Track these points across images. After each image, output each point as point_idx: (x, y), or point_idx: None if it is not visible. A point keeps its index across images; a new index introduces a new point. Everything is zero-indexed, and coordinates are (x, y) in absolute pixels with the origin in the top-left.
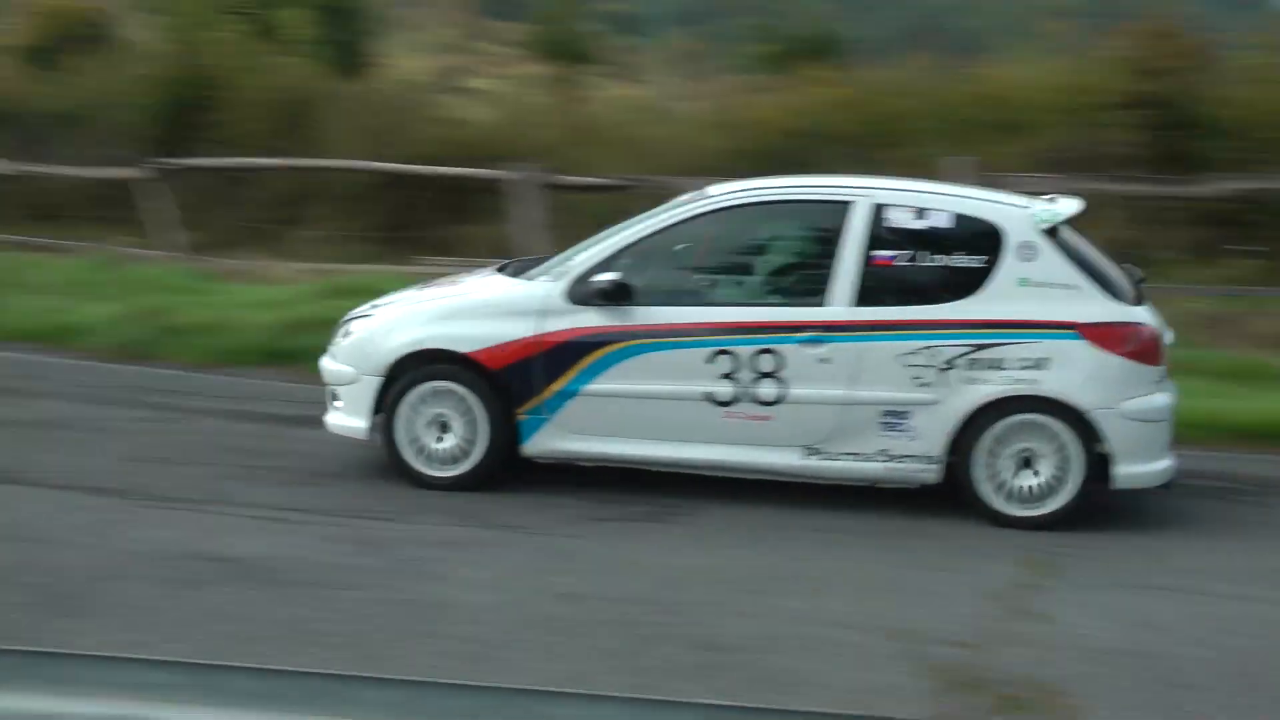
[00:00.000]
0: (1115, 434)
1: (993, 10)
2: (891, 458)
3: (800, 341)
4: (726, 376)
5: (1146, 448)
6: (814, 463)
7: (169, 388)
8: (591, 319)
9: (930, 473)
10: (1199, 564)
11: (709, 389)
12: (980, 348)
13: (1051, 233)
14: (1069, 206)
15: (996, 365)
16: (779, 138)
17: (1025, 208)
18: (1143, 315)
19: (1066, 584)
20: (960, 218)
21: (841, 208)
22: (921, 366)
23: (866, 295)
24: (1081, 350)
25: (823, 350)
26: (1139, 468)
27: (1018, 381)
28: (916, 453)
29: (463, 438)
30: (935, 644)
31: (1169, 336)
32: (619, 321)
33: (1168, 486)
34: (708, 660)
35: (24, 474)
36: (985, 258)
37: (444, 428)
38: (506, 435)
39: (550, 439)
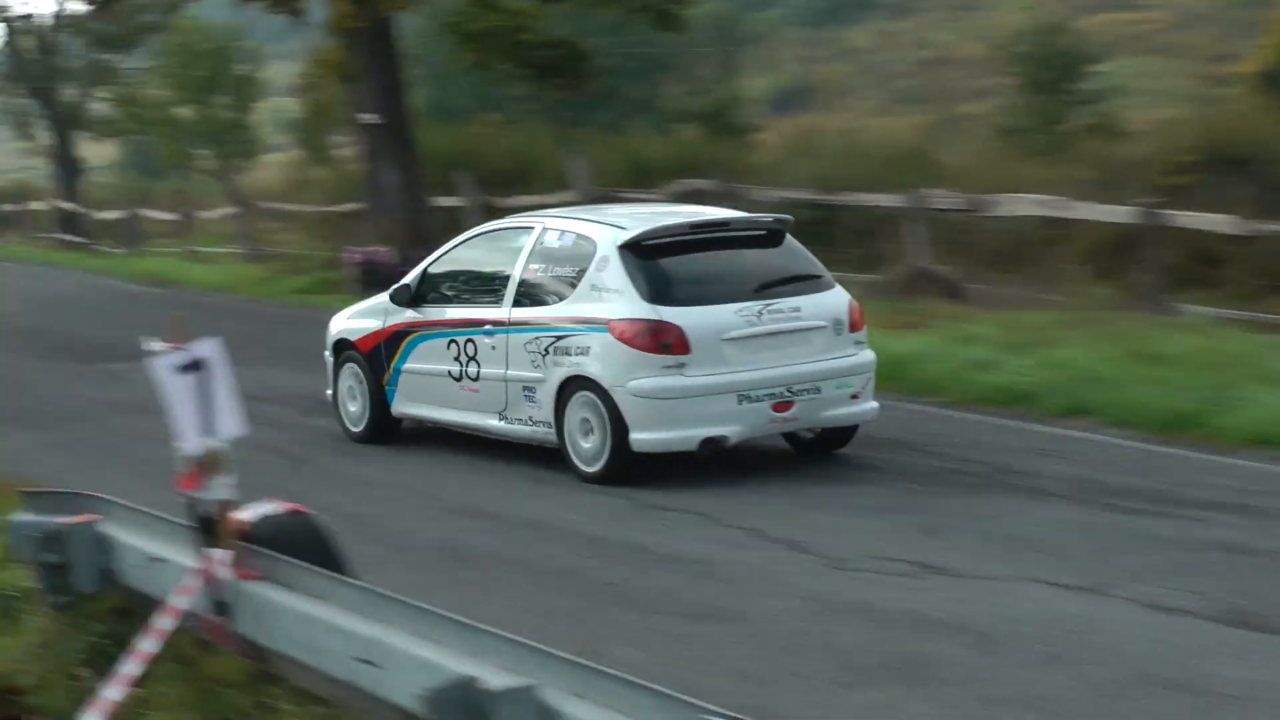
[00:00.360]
0: (626, 407)
1: None
2: (534, 423)
3: (482, 334)
4: (456, 359)
5: (658, 418)
6: (504, 426)
7: None
8: (406, 316)
9: (551, 436)
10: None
11: (449, 368)
12: (559, 339)
13: (631, 247)
14: (648, 226)
15: (566, 352)
16: None
17: (621, 228)
18: (663, 314)
19: None
20: (575, 236)
21: (527, 232)
22: (535, 353)
23: (520, 299)
24: (606, 341)
25: (492, 341)
26: (648, 435)
27: (574, 365)
28: (541, 420)
29: (360, 403)
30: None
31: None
32: (417, 318)
33: (703, 451)
34: None
35: (1266, 618)
36: (578, 269)
37: (352, 395)
38: (380, 400)
39: (399, 404)
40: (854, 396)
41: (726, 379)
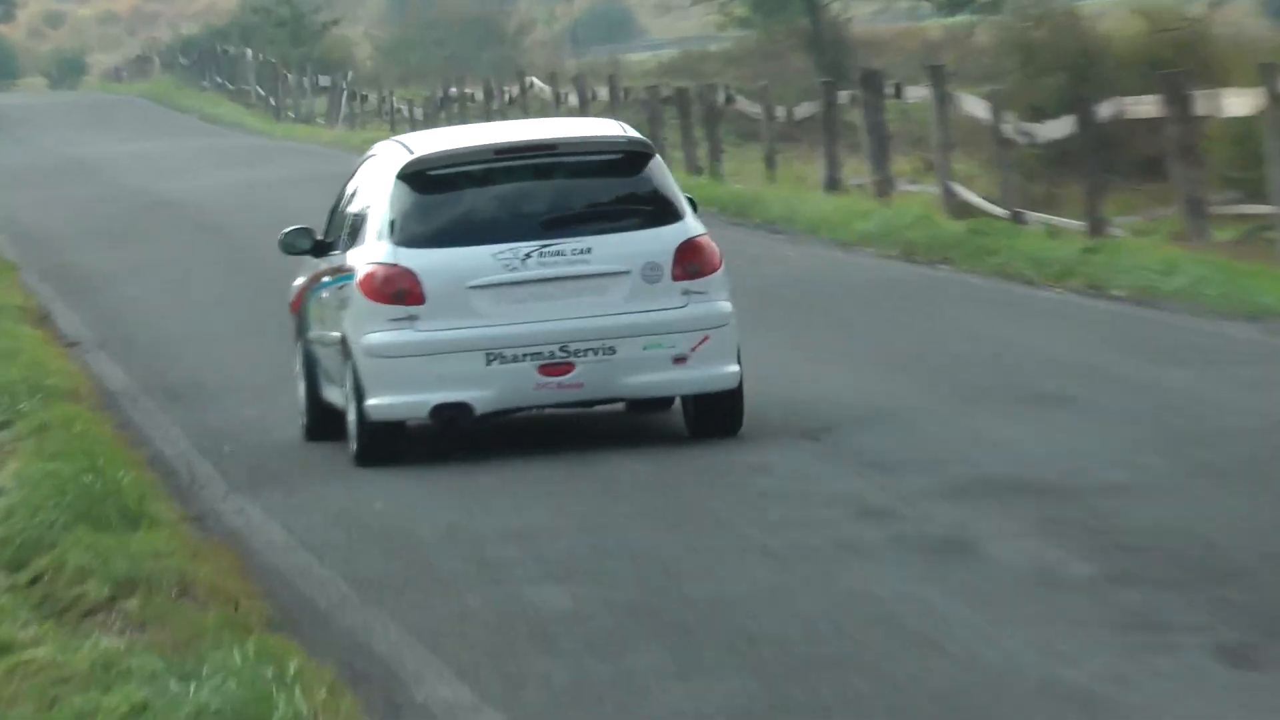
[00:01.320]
0: (361, 368)
1: None
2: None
3: (321, 288)
4: (320, 320)
5: (388, 380)
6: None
7: None
8: (318, 267)
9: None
10: None
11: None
12: (340, 289)
13: (411, 176)
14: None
15: (342, 305)
16: None
17: (410, 152)
18: (401, 258)
19: None
20: (376, 161)
21: (370, 158)
22: (334, 309)
23: (348, 241)
24: (353, 291)
25: (325, 294)
26: (378, 400)
27: (339, 323)
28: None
29: (301, 389)
30: None
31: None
32: (319, 268)
33: (439, 421)
34: None
35: None
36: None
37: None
38: (311, 381)
39: (323, 386)
40: (679, 360)
41: (469, 334)
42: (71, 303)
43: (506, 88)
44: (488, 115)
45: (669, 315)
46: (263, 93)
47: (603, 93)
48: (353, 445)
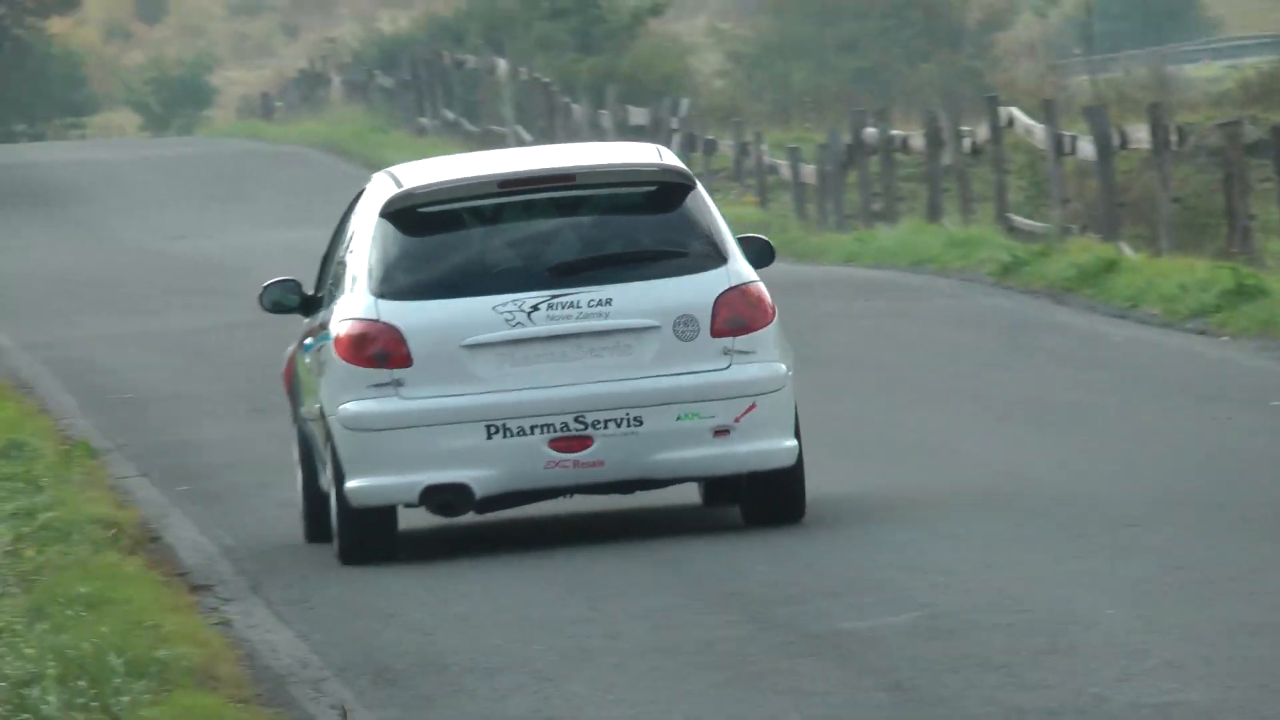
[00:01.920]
0: (338, 443)
1: None
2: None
3: (304, 351)
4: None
5: (368, 459)
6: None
7: None
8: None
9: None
10: None
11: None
12: (319, 351)
13: (397, 214)
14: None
15: (320, 371)
16: None
17: (398, 185)
18: (383, 312)
19: None
20: (364, 197)
21: (361, 193)
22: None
23: (331, 294)
24: (329, 352)
25: (308, 360)
26: (359, 481)
27: (318, 393)
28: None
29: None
30: None
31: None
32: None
33: (432, 506)
34: None
35: None
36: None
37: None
38: (309, 465)
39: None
40: (720, 432)
41: (466, 402)
42: (200, 513)
43: (966, 128)
44: (931, 177)
45: (707, 379)
46: (527, 137)
47: (1138, 133)
48: (335, 538)
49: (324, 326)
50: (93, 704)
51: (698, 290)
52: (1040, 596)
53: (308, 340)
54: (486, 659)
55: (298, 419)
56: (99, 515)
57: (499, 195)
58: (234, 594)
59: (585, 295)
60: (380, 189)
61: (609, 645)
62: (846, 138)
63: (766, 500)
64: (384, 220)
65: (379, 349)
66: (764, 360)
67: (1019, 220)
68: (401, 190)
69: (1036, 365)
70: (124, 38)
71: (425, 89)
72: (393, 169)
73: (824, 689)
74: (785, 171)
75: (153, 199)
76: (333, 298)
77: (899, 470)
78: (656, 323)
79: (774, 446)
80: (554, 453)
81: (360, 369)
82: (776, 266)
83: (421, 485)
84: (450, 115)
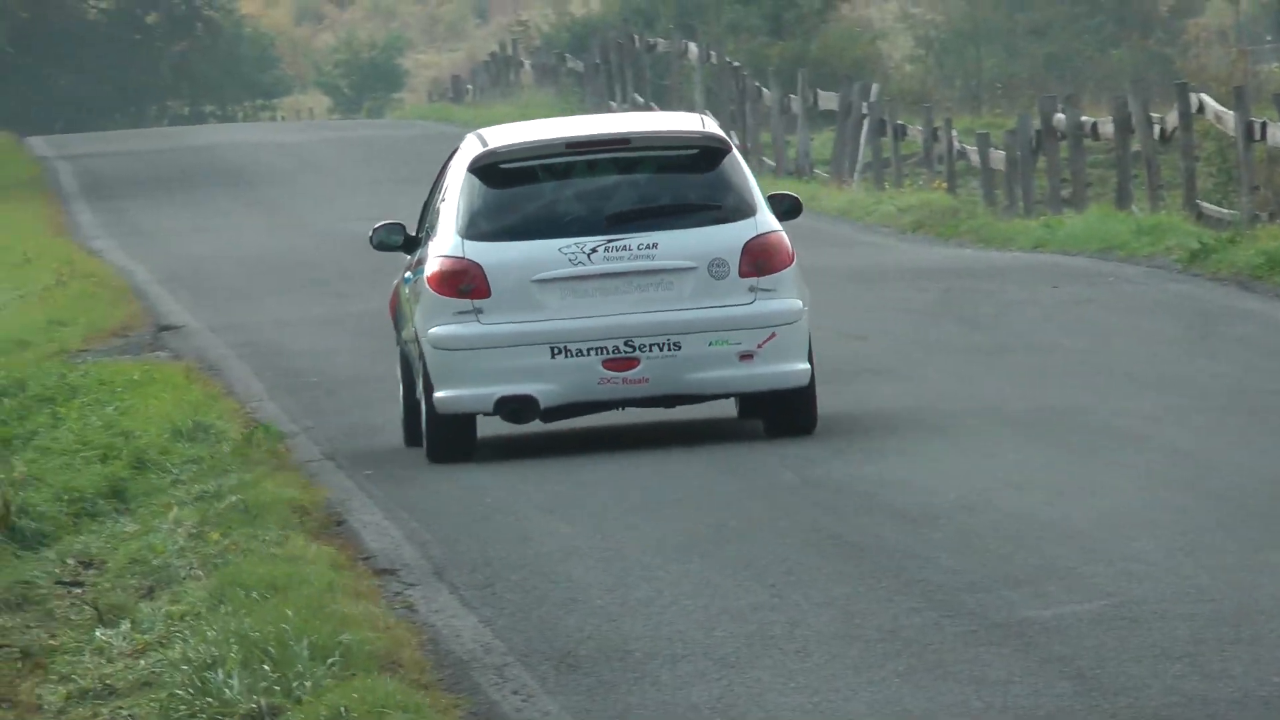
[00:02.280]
0: (428, 362)
1: None
2: None
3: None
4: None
5: (452, 373)
6: None
7: None
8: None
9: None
10: None
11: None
12: (415, 282)
13: (483, 169)
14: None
15: (415, 300)
16: None
17: (484, 145)
18: (467, 251)
19: None
20: (457, 153)
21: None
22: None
23: (427, 234)
24: (423, 285)
25: (408, 290)
26: (444, 393)
27: (414, 318)
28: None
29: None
30: None
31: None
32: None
33: (505, 414)
34: None
35: None
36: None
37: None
38: (408, 384)
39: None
40: (745, 357)
41: (534, 328)
42: (385, 497)
43: (1155, 114)
44: (1120, 163)
45: (735, 311)
46: (716, 120)
47: None
48: (423, 441)
49: (420, 263)
50: (275, 688)
51: (729, 237)
52: (1227, 586)
53: (407, 274)
54: (669, 645)
55: (400, 341)
56: (284, 499)
57: (566, 155)
58: (418, 579)
59: (635, 240)
60: (469, 148)
61: (791, 632)
62: (1036, 123)
63: (783, 414)
64: (471, 174)
65: (464, 283)
66: (783, 297)
67: (1208, 207)
68: (486, 149)
69: (1227, 352)
70: (315, 20)
71: (616, 73)
72: (481, 131)
73: (1006, 677)
74: (974, 157)
75: (342, 181)
76: (428, 238)
77: (1090, 457)
78: (694, 264)
79: (790, 369)
80: (606, 371)
81: (448, 298)
82: (967, 252)
83: (495, 396)
84: (640, 99)
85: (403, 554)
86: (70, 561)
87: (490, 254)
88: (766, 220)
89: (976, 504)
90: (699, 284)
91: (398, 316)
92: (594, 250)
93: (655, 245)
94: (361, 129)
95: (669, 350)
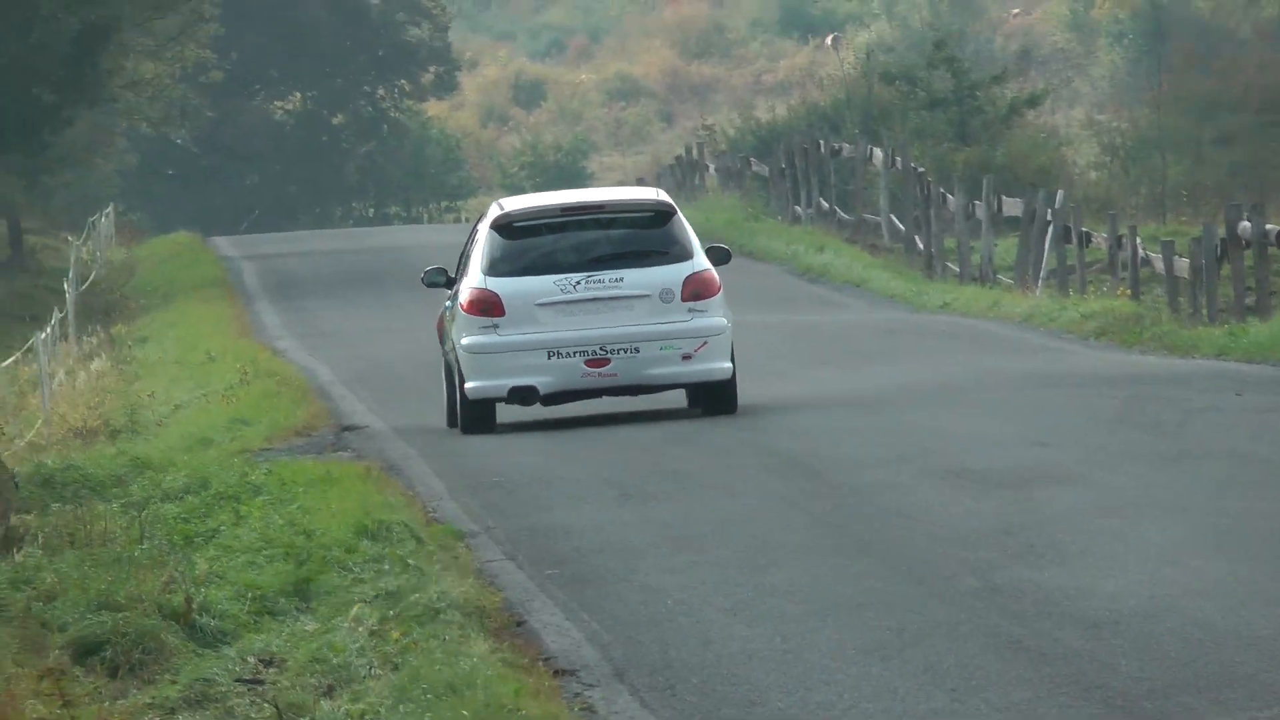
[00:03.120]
0: (462, 362)
1: None
2: None
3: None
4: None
5: (478, 370)
6: None
7: None
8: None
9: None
10: None
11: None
12: (452, 307)
13: (501, 227)
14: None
15: (453, 319)
16: None
17: (501, 209)
18: (489, 284)
19: None
20: (482, 216)
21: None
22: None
23: (459, 273)
24: (457, 308)
25: (448, 314)
26: (473, 383)
27: (451, 333)
28: None
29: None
30: None
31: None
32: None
33: (515, 400)
34: None
35: None
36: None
37: None
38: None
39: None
40: (685, 358)
41: (536, 337)
42: (566, 598)
43: None
44: None
45: (678, 326)
46: (900, 225)
47: None
48: (459, 421)
49: (456, 294)
50: None
51: (674, 274)
52: None
53: (447, 303)
54: None
55: (444, 352)
56: (464, 598)
57: (561, 216)
58: (598, 679)
59: (607, 275)
60: (492, 212)
61: None
62: (1221, 231)
63: (713, 400)
64: (492, 230)
65: (485, 306)
66: (713, 316)
67: None
68: (504, 212)
69: None
70: (501, 122)
71: (801, 177)
72: (501, 200)
73: None
74: (1158, 264)
75: None
76: (461, 276)
77: (1273, 565)
78: (649, 292)
79: (718, 366)
80: (587, 368)
81: (475, 317)
82: (1150, 359)
83: (508, 386)
84: (824, 204)
85: (583, 655)
86: (251, 659)
87: (505, 286)
88: (701, 262)
89: (1158, 610)
90: (652, 306)
91: (442, 334)
92: (578, 283)
93: (621, 279)
94: None
95: (631, 353)
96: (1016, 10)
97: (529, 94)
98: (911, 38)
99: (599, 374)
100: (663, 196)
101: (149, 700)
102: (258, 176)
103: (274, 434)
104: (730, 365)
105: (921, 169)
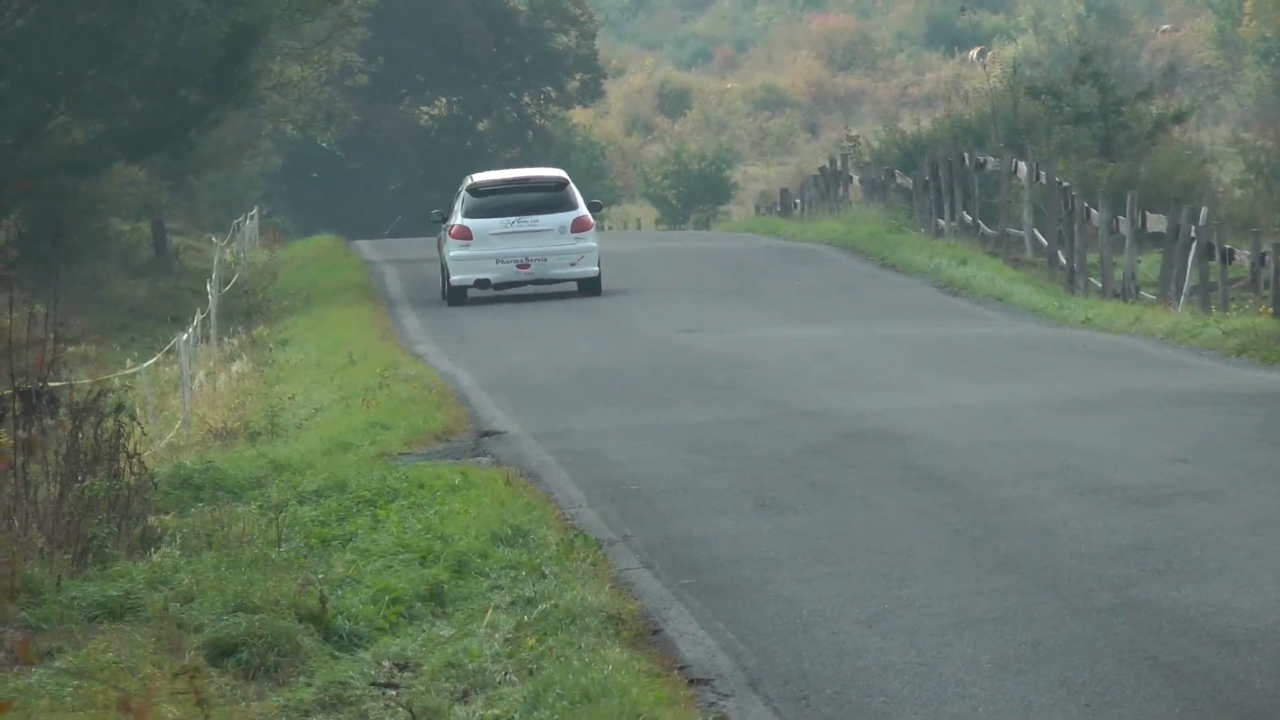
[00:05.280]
0: (449, 264)
1: None
2: None
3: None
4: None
5: (458, 269)
6: None
7: None
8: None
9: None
10: None
11: None
12: (444, 235)
13: (472, 189)
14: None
15: (444, 242)
16: None
17: (472, 179)
18: (465, 222)
19: None
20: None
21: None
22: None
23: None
24: (446, 235)
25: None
26: (455, 277)
27: (444, 249)
28: None
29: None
30: None
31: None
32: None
33: (477, 286)
34: None
35: None
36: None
37: None
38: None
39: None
40: (573, 264)
41: (491, 251)
42: (702, 607)
43: None
44: None
45: (569, 247)
46: (1043, 240)
47: None
48: (444, 298)
49: (447, 227)
50: None
51: (566, 218)
52: None
53: (442, 231)
54: None
55: (441, 260)
56: (600, 606)
57: (505, 185)
58: (732, 689)
59: (531, 218)
60: (467, 182)
61: None
62: None
63: (587, 288)
64: (467, 192)
65: (462, 234)
66: (587, 242)
67: None
68: (474, 183)
69: None
70: (645, 131)
71: (945, 190)
72: (473, 175)
73: None
74: None
75: (668, 290)
76: (451, 217)
77: None
78: (552, 228)
79: (591, 270)
80: (517, 270)
81: (456, 240)
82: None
83: (474, 278)
84: (968, 217)
85: (718, 664)
86: (386, 663)
87: (474, 223)
88: (583, 210)
89: None
90: (554, 236)
91: (441, 250)
92: (513, 222)
93: (538, 220)
94: (688, 240)
95: (542, 261)
96: (1165, 26)
97: (674, 103)
98: (1058, 52)
99: (524, 273)
100: (562, 174)
101: (283, 702)
102: (401, 181)
103: (413, 438)
104: (597, 269)
105: (1066, 184)
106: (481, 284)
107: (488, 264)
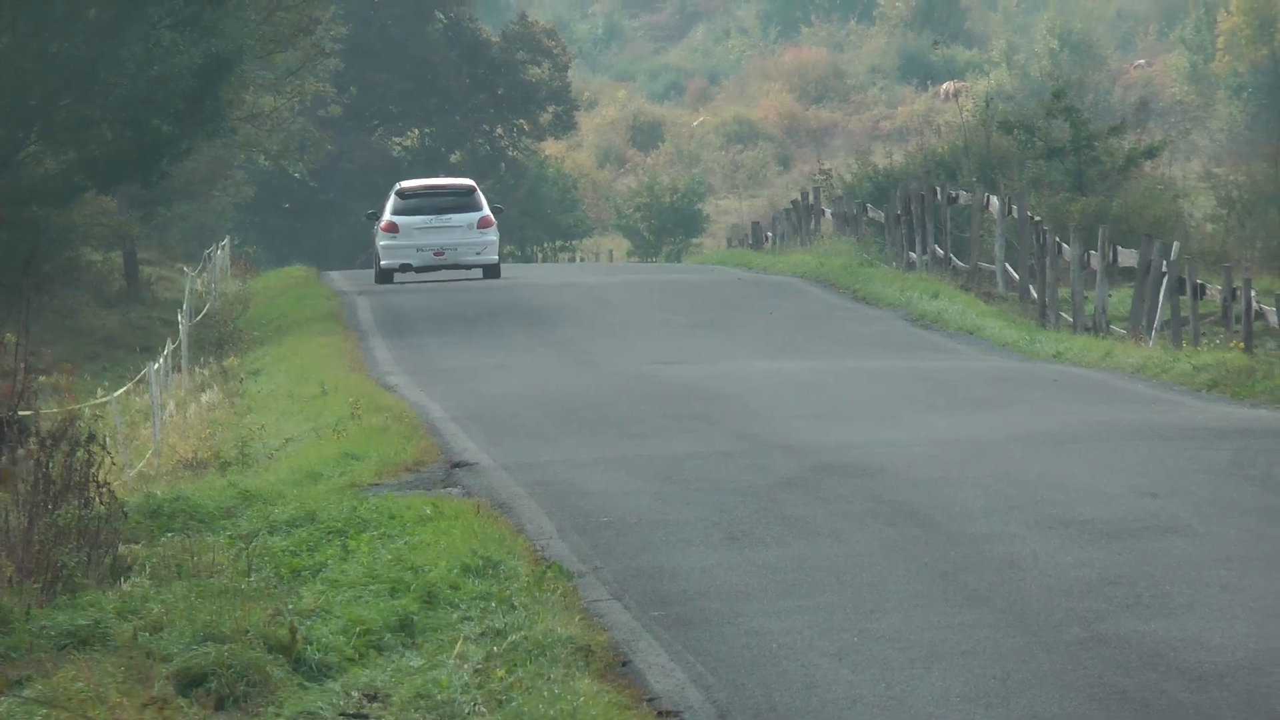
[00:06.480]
0: (380, 252)
1: None
2: None
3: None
4: None
5: (386, 255)
6: None
7: None
8: None
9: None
10: None
11: None
12: (377, 228)
13: (399, 192)
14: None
15: (377, 234)
16: None
17: (401, 183)
18: (393, 219)
19: None
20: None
21: None
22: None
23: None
24: (379, 229)
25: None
26: (385, 261)
27: (377, 239)
28: None
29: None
30: None
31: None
32: None
33: (402, 269)
34: None
35: None
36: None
37: None
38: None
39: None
40: (479, 253)
41: (413, 242)
42: (671, 639)
43: None
44: None
45: (475, 239)
46: (1014, 274)
47: None
48: (375, 279)
49: (378, 221)
50: None
51: (474, 217)
52: None
53: (376, 226)
54: None
55: (374, 248)
56: (570, 637)
57: (426, 191)
58: None
59: (446, 217)
60: (396, 188)
61: None
62: None
63: (489, 274)
64: (395, 195)
65: (391, 227)
66: (490, 236)
67: None
68: (401, 187)
69: None
70: (618, 163)
71: (916, 223)
72: (401, 181)
73: None
74: (1271, 318)
75: (639, 324)
76: (381, 215)
77: None
78: (463, 225)
79: (492, 258)
80: (434, 256)
81: (386, 232)
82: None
83: (399, 263)
84: (939, 251)
85: (687, 696)
86: (355, 694)
87: (400, 219)
88: (486, 211)
89: (1264, 663)
90: (465, 231)
91: (375, 239)
92: (432, 219)
93: (451, 218)
94: (660, 272)
95: (454, 250)
96: (1139, 62)
97: (647, 135)
98: (1031, 86)
99: (439, 259)
100: (471, 182)
101: None
102: (374, 211)
103: (383, 469)
104: (497, 258)
105: (1038, 218)
106: (405, 268)
107: (410, 252)
